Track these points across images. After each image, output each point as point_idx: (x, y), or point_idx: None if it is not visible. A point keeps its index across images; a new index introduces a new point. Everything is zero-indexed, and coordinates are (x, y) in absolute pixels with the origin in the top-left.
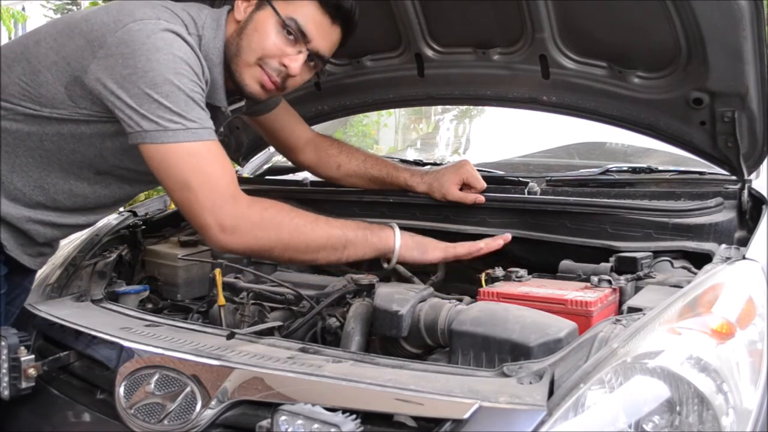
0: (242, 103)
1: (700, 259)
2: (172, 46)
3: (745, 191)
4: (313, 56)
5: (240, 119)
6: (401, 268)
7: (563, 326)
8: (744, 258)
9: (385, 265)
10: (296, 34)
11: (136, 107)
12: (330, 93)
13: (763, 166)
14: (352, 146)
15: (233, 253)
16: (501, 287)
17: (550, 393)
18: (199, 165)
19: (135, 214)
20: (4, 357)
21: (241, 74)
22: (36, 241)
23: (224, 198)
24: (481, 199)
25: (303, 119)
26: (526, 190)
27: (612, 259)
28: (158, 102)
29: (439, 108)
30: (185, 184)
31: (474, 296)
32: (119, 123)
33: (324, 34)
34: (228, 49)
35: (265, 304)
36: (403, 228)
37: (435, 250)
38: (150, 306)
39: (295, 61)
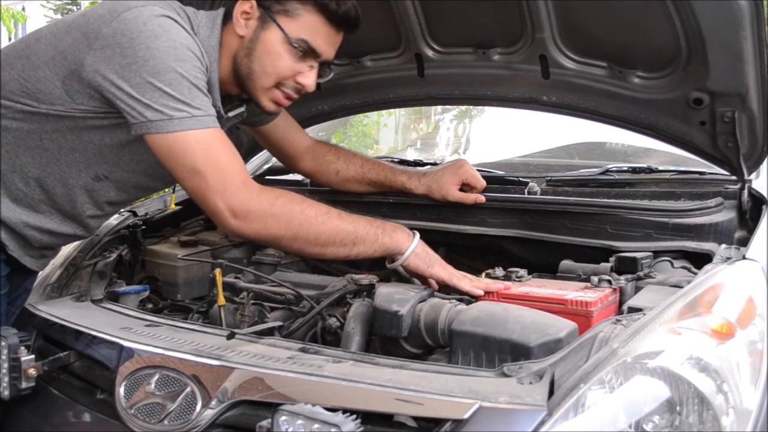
0: (242, 109)
1: (700, 259)
2: (170, 31)
3: (745, 191)
4: (322, 64)
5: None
6: (401, 269)
7: (563, 326)
8: (744, 258)
9: (388, 264)
10: (307, 52)
11: (138, 97)
12: (330, 93)
13: (763, 166)
14: (350, 151)
15: (243, 239)
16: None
17: (550, 393)
18: (207, 152)
19: (135, 214)
20: (4, 357)
21: (258, 97)
22: (35, 246)
23: (235, 184)
24: (482, 198)
25: (303, 120)
26: (526, 190)
27: (612, 259)
28: (161, 90)
29: (439, 108)
30: (195, 170)
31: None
32: (117, 118)
33: (331, 44)
34: (238, 70)
35: (265, 304)
36: None
37: (440, 269)
38: (150, 306)
39: (309, 78)
